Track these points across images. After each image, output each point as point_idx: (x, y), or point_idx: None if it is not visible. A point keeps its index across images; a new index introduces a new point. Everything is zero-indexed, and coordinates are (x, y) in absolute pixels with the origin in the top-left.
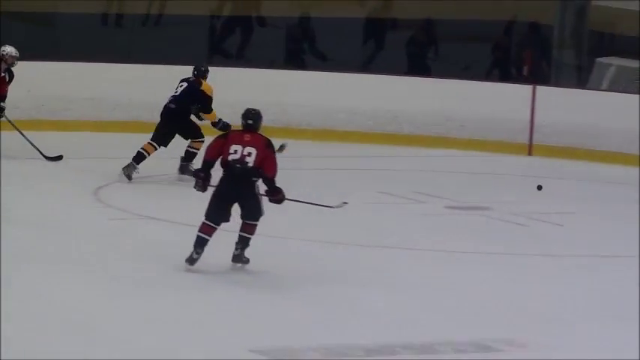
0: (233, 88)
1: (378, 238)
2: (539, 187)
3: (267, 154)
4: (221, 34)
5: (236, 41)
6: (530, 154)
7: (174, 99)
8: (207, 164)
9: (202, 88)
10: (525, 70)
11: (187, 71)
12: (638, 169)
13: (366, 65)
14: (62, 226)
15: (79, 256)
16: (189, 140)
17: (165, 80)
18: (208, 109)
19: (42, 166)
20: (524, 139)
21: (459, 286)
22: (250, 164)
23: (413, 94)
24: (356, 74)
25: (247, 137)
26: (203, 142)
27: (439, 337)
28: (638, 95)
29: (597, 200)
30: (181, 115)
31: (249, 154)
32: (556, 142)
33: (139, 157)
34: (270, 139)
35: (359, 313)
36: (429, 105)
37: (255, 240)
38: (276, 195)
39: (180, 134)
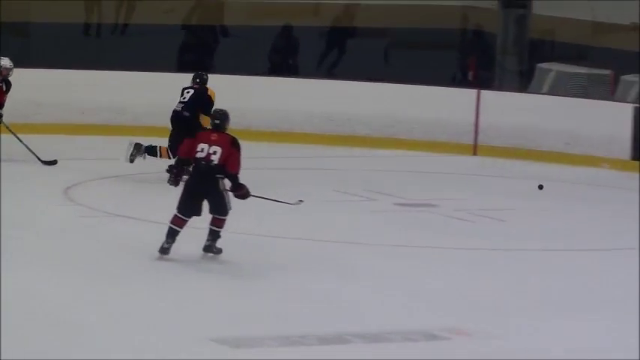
0: None
1: (333, 233)
2: (541, 187)
3: (232, 152)
4: (189, 43)
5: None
6: (475, 154)
7: (185, 106)
8: (181, 161)
9: (209, 94)
10: (470, 76)
11: (154, 77)
12: (576, 168)
13: (330, 71)
14: (33, 223)
15: (51, 252)
16: None
17: (133, 85)
18: (210, 114)
19: (11, 167)
20: (469, 140)
21: (409, 278)
22: (215, 162)
23: (366, 98)
24: (313, 79)
25: (214, 136)
26: None
27: (390, 326)
28: (576, 98)
29: (538, 197)
30: (193, 120)
31: (215, 153)
32: (499, 143)
33: (151, 152)
34: (236, 138)
35: (315, 304)
36: (381, 108)
37: (223, 234)
38: (240, 191)
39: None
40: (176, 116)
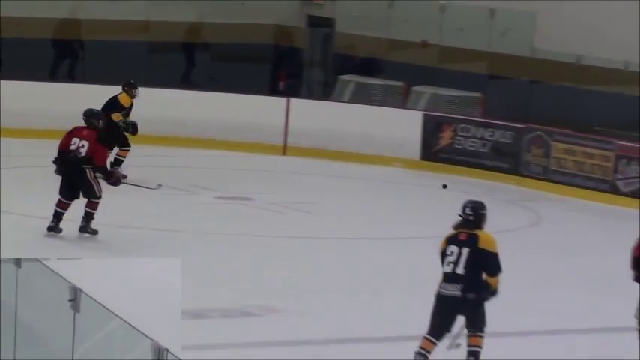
0: (69, 101)
1: (161, 222)
2: (444, 186)
3: (98, 147)
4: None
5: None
6: (284, 154)
7: (101, 107)
8: (60, 153)
9: (119, 96)
10: (281, 85)
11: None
12: (372, 167)
13: (184, 81)
14: None
15: None
16: (118, 149)
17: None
18: (116, 112)
19: None
20: (280, 141)
21: (226, 261)
22: (83, 154)
23: (191, 104)
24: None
25: (84, 132)
26: (129, 150)
27: (209, 304)
28: (372, 106)
29: (340, 192)
30: (107, 123)
31: (83, 146)
32: (306, 145)
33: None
34: (102, 133)
35: (145, 285)
36: (203, 113)
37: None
38: (110, 178)
39: (111, 141)
40: None
